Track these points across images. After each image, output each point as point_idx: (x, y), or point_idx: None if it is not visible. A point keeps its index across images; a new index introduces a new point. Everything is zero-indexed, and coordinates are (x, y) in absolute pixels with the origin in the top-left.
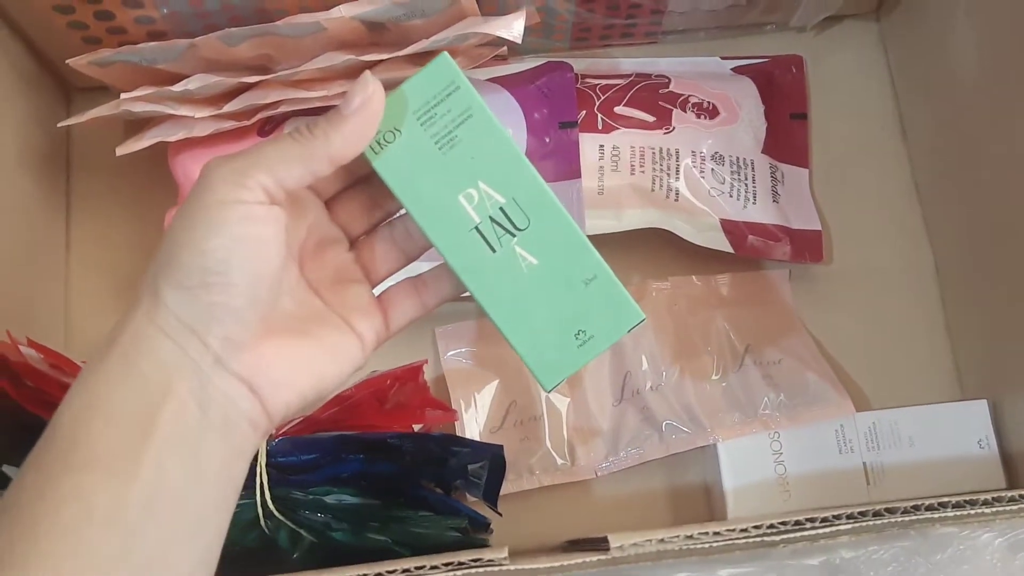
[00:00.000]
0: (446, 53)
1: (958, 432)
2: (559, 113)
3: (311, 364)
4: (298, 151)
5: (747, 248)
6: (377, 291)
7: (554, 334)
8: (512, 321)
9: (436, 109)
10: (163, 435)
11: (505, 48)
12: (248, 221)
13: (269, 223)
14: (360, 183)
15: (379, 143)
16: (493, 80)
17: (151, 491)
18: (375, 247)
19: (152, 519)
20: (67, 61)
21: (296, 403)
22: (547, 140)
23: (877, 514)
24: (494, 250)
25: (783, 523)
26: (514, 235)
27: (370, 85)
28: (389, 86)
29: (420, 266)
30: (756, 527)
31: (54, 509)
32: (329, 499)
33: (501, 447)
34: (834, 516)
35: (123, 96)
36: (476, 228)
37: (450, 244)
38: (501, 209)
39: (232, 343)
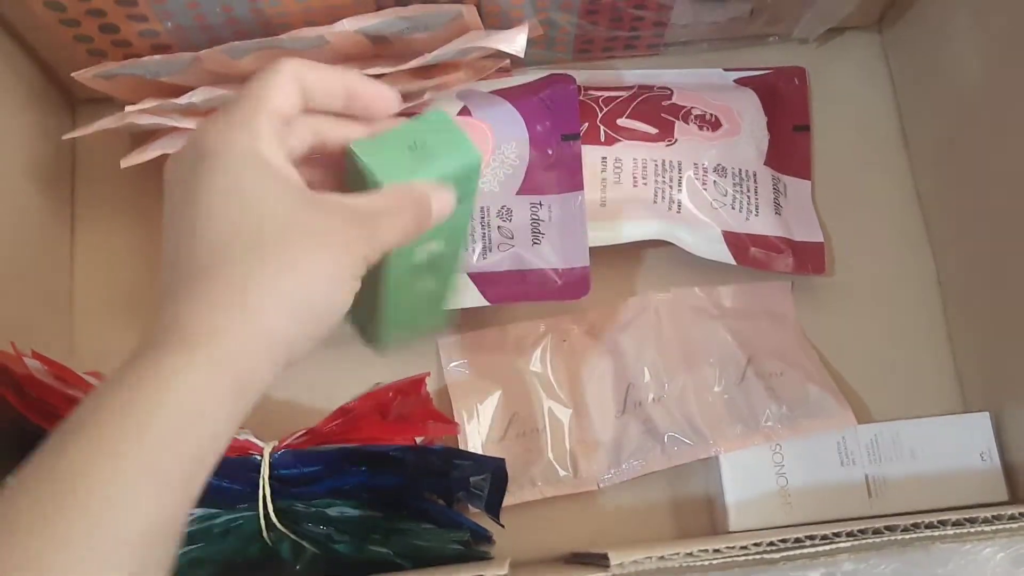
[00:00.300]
0: (443, 112)
1: (960, 444)
2: (562, 125)
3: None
4: (405, 239)
5: (749, 260)
6: None
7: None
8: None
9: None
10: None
11: (508, 61)
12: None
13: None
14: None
15: None
16: (496, 92)
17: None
18: None
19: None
20: (72, 74)
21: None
22: (549, 152)
23: (877, 531)
24: (414, 284)
25: (783, 540)
26: (427, 271)
27: (450, 200)
28: None
29: None
30: (756, 544)
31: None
32: (331, 511)
33: (503, 460)
34: (834, 533)
35: (128, 109)
36: (414, 266)
37: (394, 273)
38: (434, 257)
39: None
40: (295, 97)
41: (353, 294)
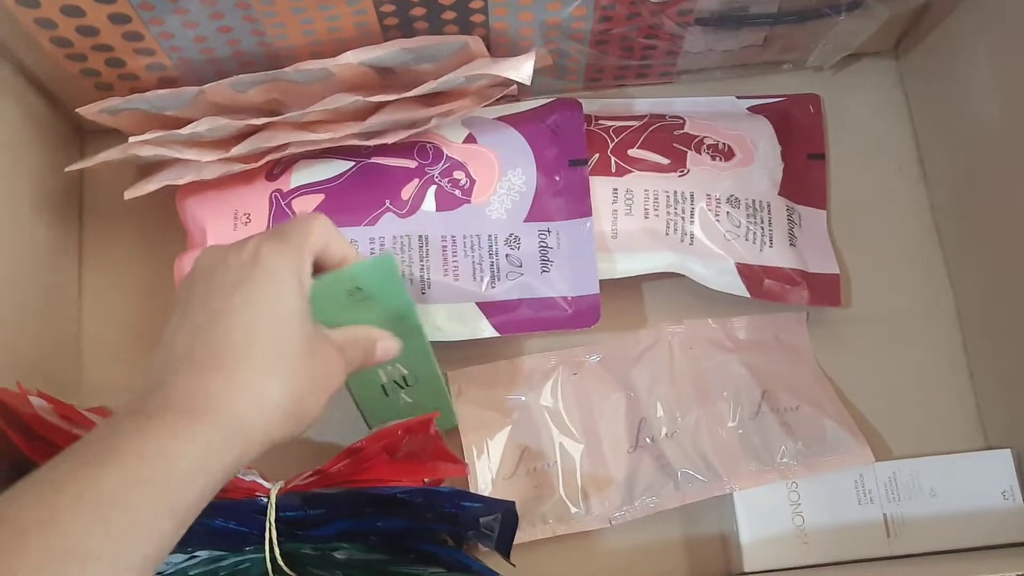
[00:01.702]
0: (391, 258)
1: (981, 482)
2: (569, 151)
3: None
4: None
5: (763, 292)
6: None
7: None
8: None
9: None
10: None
11: (515, 87)
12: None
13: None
14: None
15: None
16: (502, 119)
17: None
18: None
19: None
20: (77, 110)
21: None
22: (557, 179)
23: None
24: (387, 395)
25: None
26: (403, 388)
27: (395, 349)
28: (399, 126)
29: None
30: None
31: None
32: (339, 555)
33: (513, 503)
34: None
35: (131, 140)
36: (382, 385)
37: (361, 388)
38: (403, 378)
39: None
40: (320, 245)
41: (326, 404)
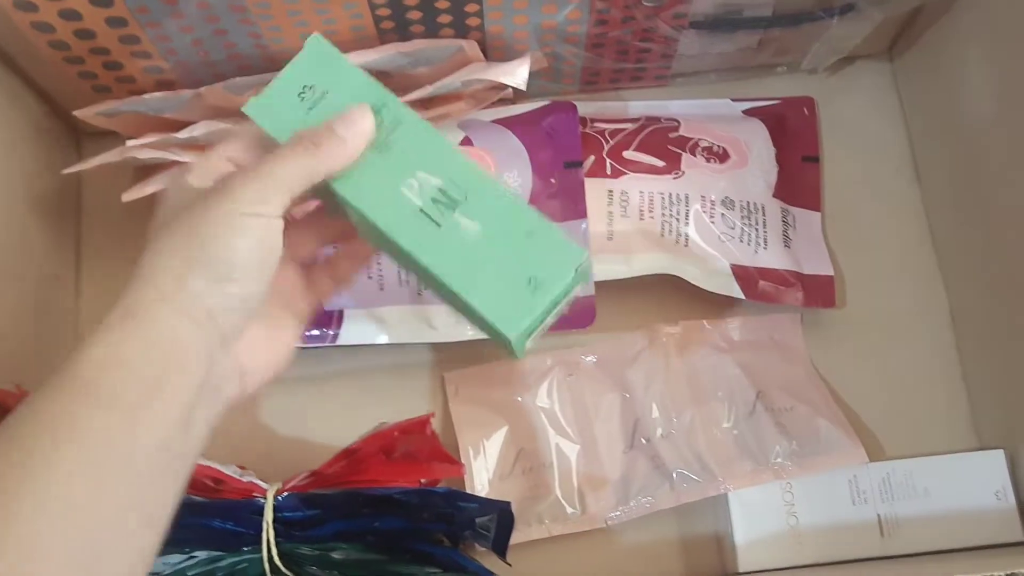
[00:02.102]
0: (318, 37)
1: (974, 483)
2: (564, 153)
3: (278, 345)
4: (306, 169)
5: (758, 294)
6: None
7: (508, 286)
8: (469, 284)
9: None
10: (170, 396)
11: (510, 90)
12: (267, 231)
13: (278, 232)
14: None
15: None
16: (498, 121)
17: (159, 442)
18: (316, 274)
19: (158, 468)
20: (74, 113)
21: (267, 382)
22: (552, 181)
23: None
24: (439, 225)
25: None
26: (454, 209)
27: (368, 119)
28: None
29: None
30: None
31: (78, 439)
32: (336, 555)
33: (509, 503)
34: None
35: (129, 143)
36: (421, 210)
37: (400, 228)
38: (440, 190)
39: (238, 329)
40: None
41: (262, 234)
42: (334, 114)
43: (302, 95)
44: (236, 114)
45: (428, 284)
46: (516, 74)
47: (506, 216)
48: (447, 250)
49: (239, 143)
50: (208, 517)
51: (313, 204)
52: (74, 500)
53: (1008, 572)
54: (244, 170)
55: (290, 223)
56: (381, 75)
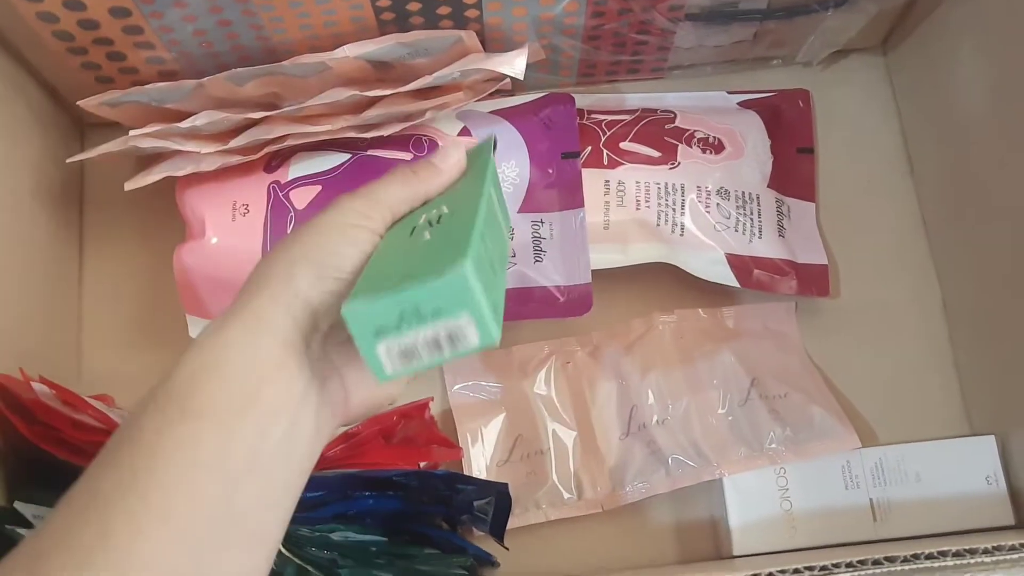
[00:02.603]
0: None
1: (966, 468)
2: (561, 144)
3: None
4: (407, 193)
5: (753, 282)
6: None
7: (391, 273)
8: (375, 269)
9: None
10: (268, 401)
11: (508, 81)
12: (366, 242)
13: (373, 244)
14: None
15: None
16: (496, 112)
17: (252, 448)
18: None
19: (250, 474)
20: (78, 103)
21: (369, 405)
22: (550, 171)
23: (877, 562)
24: (411, 235)
25: (782, 571)
26: (431, 227)
27: (462, 148)
28: (395, 119)
29: None
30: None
31: (171, 450)
32: (335, 536)
33: (506, 485)
34: (833, 564)
35: (131, 132)
36: (413, 227)
37: (389, 236)
38: (439, 216)
39: (338, 330)
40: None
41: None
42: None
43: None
44: (238, 105)
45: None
46: (514, 64)
47: (453, 237)
48: (393, 247)
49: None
50: None
51: None
52: (170, 505)
53: (993, 545)
54: (353, 191)
55: None
56: (381, 65)
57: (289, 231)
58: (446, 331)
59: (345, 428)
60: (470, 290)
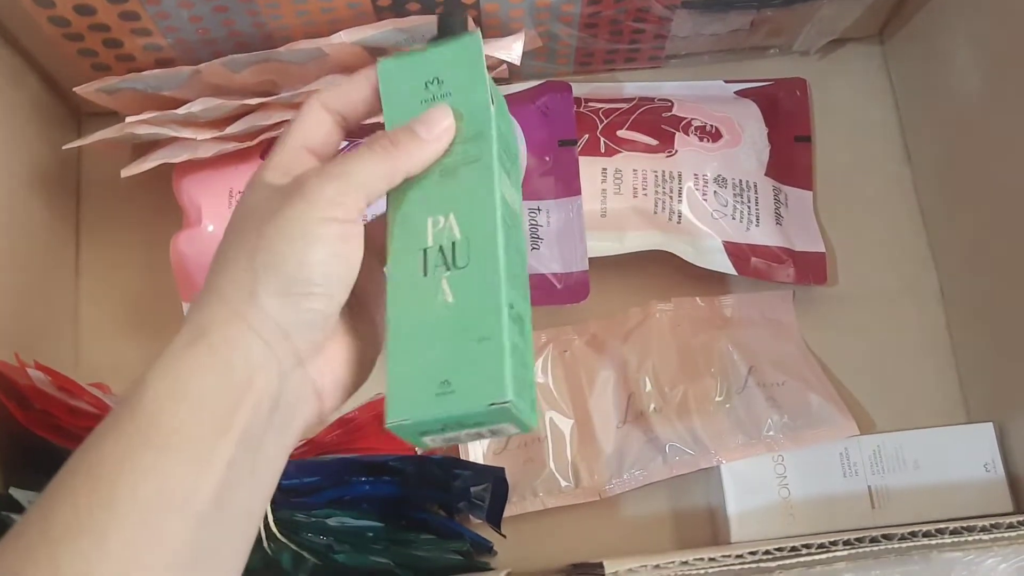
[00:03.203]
0: (478, 37)
1: (964, 455)
2: (559, 132)
3: (358, 362)
4: (385, 169)
5: (750, 270)
6: None
7: (424, 376)
8: (399, 344)
9: (456, 147)
10: (239, 430)
11: (505, 68)
12: (346, 239)
13: (357, 239)
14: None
15: None
16: None
17: (222, 484)
18: None
19: (219, 511)
20: (74, 89)
21: (344, 400)
22: (547, 159)
23: (874, 540)
24: (425, 274)
25: (779, 549)
26: (449, 269)
27: (449, 118)
28: None
29: None
30: (752, 553)
31: (133, 484)
32: (332, 522)
33: (503, 469)
34: (831, 543)
35: (128, 119)
36: (424, 250)
37: (396, 249)
38: (453, 244)
39: (316, 347)
40: (326, 125)
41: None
42: None
43: (429, 85)
44: (234, 92)
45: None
46: (511, 49)
47: (480, 309)
48: (413, 301)
49: (345, 91)
50: None
51: None
52: (130, 551)
53: (991, 523)
54: (320, 170)
55: (374, 222)
56: (378, 51)
57: (244, 210)
58: (488, 430)
59: (341, 414)
60: (512, 410)
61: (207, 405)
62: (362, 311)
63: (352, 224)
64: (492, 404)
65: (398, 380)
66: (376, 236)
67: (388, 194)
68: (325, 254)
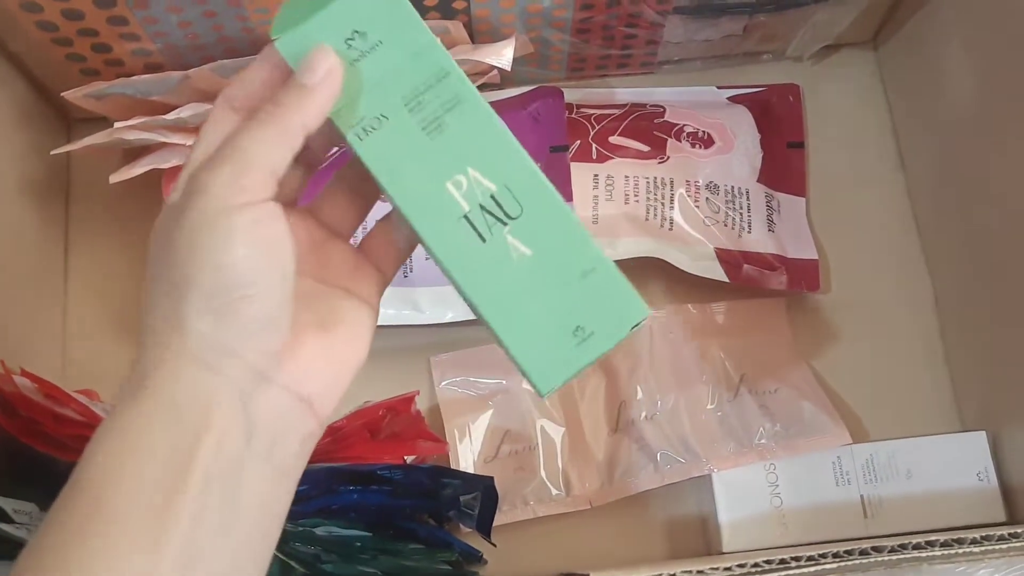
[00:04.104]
0: (438, 40)
1: (957, 464)
2: (550, 138)
3: (344, 351)
4: (276, 132)
5: (743, 277)
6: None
7: (550, 332)
8: (504, 318)
9: (424, 96)
10: (202, 476)
11: (496, 73)
12: (258, 224)
13: (276, 219)
14: (339, 180)
15: (364, 130)
16: None
17: (186, 550)
18: (375, 238)
19: (191, 570)
20: (63, 94)
21: (340, 398)
22: (538, 165)
23: (864, 552)
24: (484, 240)
25: (768, 561)
26: (506, 224)
27: (330, 58)
28: None
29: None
30: (740, 565)
31: (79, 569)
32: (319, 531)
33: (492, 479)
34: (820, 555)
35: (116, 124)
36: (465, 216)
37: (437, 234)
38: (492, 197)
39: (273, 353)
40: (234, 124)
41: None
42: (384, 73)
43: (350, 41)
44: None
45: (462, 297)
46: (502, 55)
47: (565, 246)
48: (488, 272)
49: (248, 80)
50: None
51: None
52: None
53: (982, 535)
54: (210, 158)
55: (323, 197)
56: None
57: (156, 235)
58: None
59: (329, 422)
60: (641, 317)
61: (158, 462)
62: (331, 293)
63: (263, 205)
64: (634, 325)
65: (526, 351)
66: (325, 208)
67: (378, 179)
68: (243, 248)
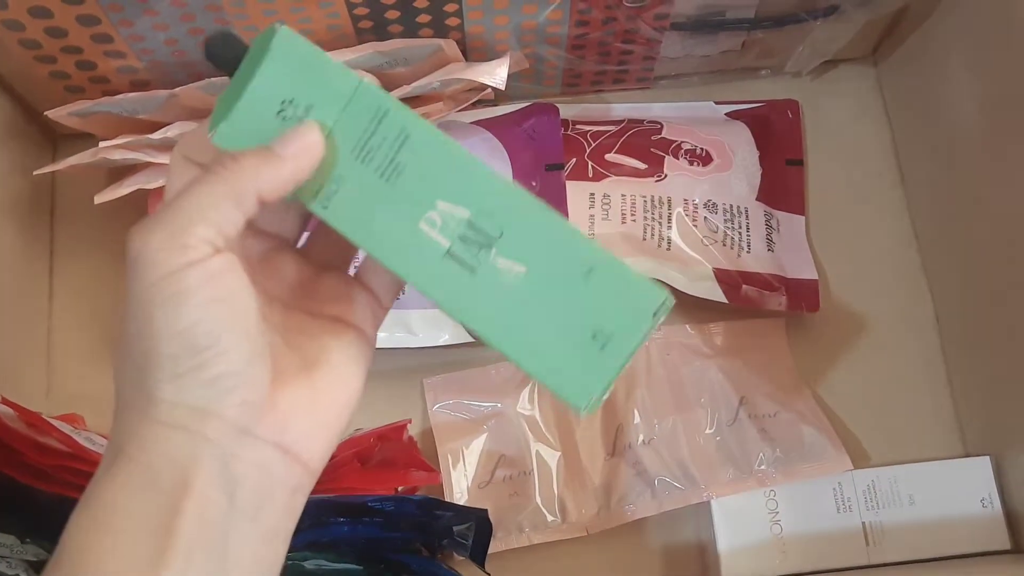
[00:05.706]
0: (364, 81)
1: (960, 490)
2: (545, 155)
3: (331, 392)
4: (226, 189)
5: (741, 298)
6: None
7: (568, 345)
8: (518, 345)
9: (371, 141)
10: (184, 543)
11: (490, 91)
12: (211, 281)
13: (228, 272)
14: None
15: (327, 197)
16: (478, 123)
17: None
18: (370, 267)
19: None
20: (46, 113)
21: (333, 441)
22: (533, 183)
23: None
24: (474, 270)
25: None
26: (491, 247)
27: (313, 133)
28: None
29: None
30: None
31: None
32: (308, 564)
33: (486, 511)
34: None
35: (102, 144)
36: (448, 253)
37: (426, 278)
38: (469, 223)
39: (250, 406)
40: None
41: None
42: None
43: (283, 113)
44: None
45: (469, 333)
46: (495, 74)
47: (557, 251)
48: (487, 303)
49: (200, 138)
50: None
51: None
52: None
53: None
54: (145, 220)
55: (317, 234)
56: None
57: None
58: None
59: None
60: (669, 301)
61: (137, 533)
62: (323, 328)
63: (212, 260)
64: (655, 313)
65: (551, 372)
66: (318, 240)
67: (353, 240)
68: (195, 310)
